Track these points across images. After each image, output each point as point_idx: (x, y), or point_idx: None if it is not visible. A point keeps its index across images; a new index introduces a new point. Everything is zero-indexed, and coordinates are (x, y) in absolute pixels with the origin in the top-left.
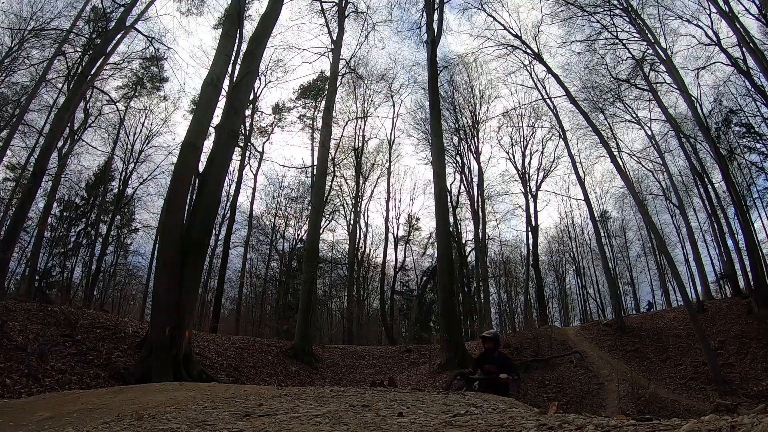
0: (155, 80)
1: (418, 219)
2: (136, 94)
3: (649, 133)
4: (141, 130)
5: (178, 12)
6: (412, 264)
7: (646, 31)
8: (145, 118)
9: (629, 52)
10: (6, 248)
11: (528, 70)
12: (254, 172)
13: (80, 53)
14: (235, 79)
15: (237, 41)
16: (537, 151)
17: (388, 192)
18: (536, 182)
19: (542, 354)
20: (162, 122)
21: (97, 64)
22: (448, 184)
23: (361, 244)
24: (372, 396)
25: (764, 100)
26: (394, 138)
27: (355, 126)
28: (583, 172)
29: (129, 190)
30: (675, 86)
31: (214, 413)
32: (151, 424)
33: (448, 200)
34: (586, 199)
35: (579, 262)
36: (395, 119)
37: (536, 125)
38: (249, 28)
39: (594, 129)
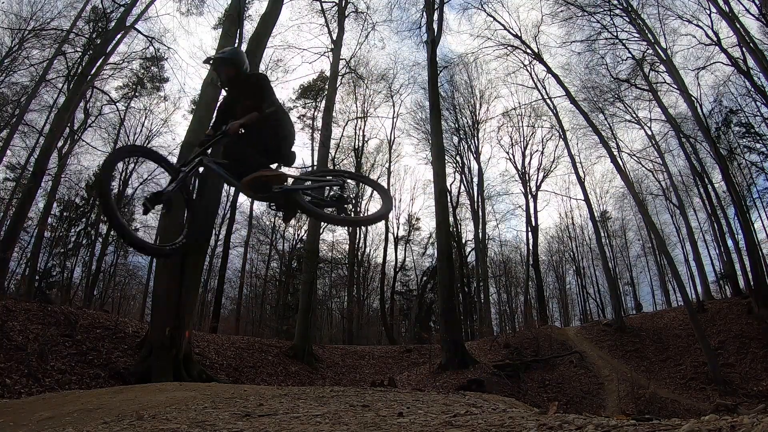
0: (155, 80)
1: (418, 219)
2: (136, 94)
3: (649, 133)
4: (141, 130)
5: (178, 12)
6: (412, 264)
7: (646, 31)
8: (145, 118)
9: (629, 52)
10: (6, 248)
11: (528, 70)
12: None
13: (80, 53)
14: None
15: (237, 41)
16: (537, 151)
17: None
18: (536, 182)
19: (542, 354)
20: (162, 122)
21: (97, 64)
22: (448, 184)
23: (361, 244)
24: (372, 396)
25: (764, 100)
26: (394, 138)
27: (355, 126)
28: (583, 172)
29: (129, 190)
30: (675, 86)
31: (214, 413)
32: (151, 424)
33: (448, 200)
34: (586, 199)
35: (579, 262)
36: (395, 119)
37: (536, 125)
38: (249, 28)
39: (594, 129)
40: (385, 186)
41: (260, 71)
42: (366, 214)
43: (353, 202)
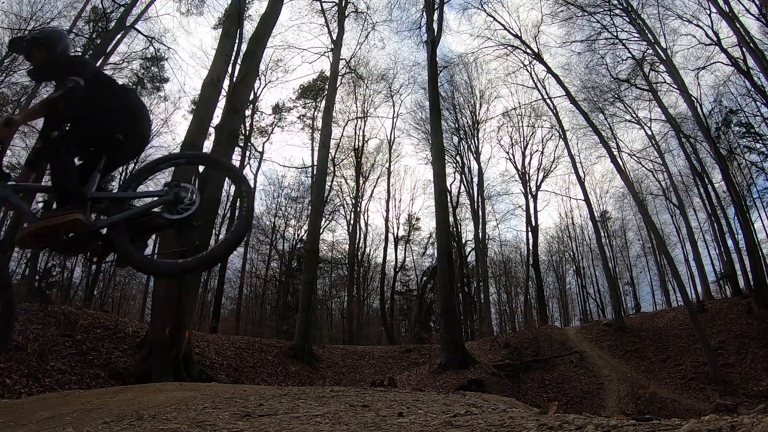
0: (155, 80)
1: (418, 219)
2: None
3: (649, 133)
4: None
5: (178, 12)
6: (412, 264)
7: (646, 31)
8: None
9: (629, 52)
10: (6, 248)
11: (528, 70)
12: (254, 172)
13: (80, 53)
14: (235, 79)
15: (237, 41)
16: (537, 151)
17: (388, 192)
18: (536, 182)
19: (542, 354)
20: (162, 122)
21: (97, 64)
22: (448, 184)
23: (361, 244)
24: (372, 396)
25: (764, 100)
26: (394, 138)
27: (355, 126)
28: (583, 172)
29: None
30: (675, 86)
31: (214, 413)
32: (151, 424)
33: (448, 200)
34: (586, 199)
35: (579, 262)
36: (395, 119)
37: (536, 125)
38: (249, 28)
39: (594, 129)
40: (243, 174)
41: (79, 54)
42: (212, 247)
43: (193, 213)
